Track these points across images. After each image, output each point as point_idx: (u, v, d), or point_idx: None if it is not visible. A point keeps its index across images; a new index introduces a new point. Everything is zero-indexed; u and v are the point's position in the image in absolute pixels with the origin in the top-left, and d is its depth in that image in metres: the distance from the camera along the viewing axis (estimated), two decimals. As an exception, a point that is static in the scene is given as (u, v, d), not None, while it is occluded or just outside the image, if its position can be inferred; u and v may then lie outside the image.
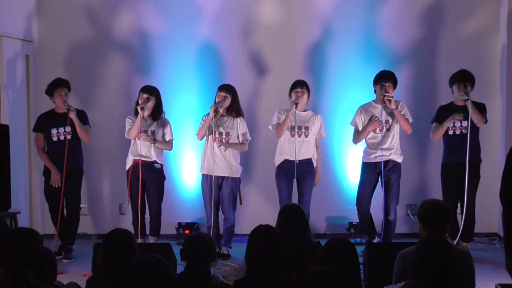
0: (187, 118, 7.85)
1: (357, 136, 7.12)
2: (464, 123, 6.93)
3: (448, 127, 7.00)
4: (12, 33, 7.50)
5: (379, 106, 7.02)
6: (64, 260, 7.00)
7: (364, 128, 7.04)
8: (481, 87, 7.77)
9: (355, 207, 7.37)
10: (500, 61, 7.88)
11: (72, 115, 6.97)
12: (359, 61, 7.87)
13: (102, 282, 3.98)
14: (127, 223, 7.33)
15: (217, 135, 7.05)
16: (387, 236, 7.12)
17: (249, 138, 7.19)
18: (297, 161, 7.02)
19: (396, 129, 7.06)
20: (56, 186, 7.04)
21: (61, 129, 7.09)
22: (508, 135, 7.70)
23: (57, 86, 7.12)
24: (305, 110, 7.15)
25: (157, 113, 7.12)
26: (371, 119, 7.01)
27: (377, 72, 7.09)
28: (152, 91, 7.08)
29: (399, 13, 7.97)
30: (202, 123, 7.10)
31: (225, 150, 7.02)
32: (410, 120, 7.04)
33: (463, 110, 6.92)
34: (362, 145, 7.23)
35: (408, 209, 8.04)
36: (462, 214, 7.00)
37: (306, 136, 7.07)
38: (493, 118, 7.86)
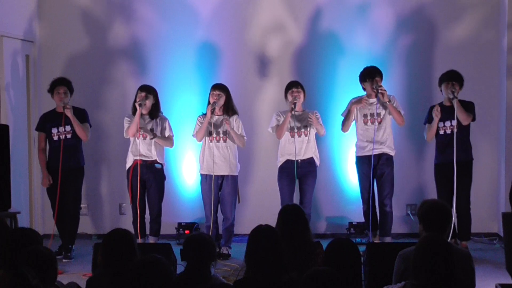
0: (186, 118, 7.84)
1: (345, 120, 7.16)
2: (454, 122, 6.96)
3: (439, 127, 7.03)
4: (12, 33, 7.50)
5: (372, 100, 7.05)
6: (64, 260, 7.00)
7: (349, 111, 7.09)
8: (481, 86, 7.78)
9: (355, 207, 7.39)
10: (499, 60, 7.88)
11: (68, 112, 6.96)
12: (358, 61, 7.85)
13: (102, 282, 3.98)
14: (127, 223, 7.33)
15: (214, 135, 7.06)
16: (385, 228, 7.13)
17: (244, 135, 7.19)
18: (299, 161, 7.03)
19: (388, 122, 7.09)
20: (46, 187, 7.12)
21: (61, 128, 7.09)
22: (508, 135, 7.70)
23: (56, 84, 7.13)
24: (302, 110, 7.16)
25: (155, 112, 7.14)
26: (359, 101, 7.09)
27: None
28: (149, 90, 7.11)
29: (397, 13, 7.97)
30: (198, 124, 7.12)
31: (228, 124, 7.00)
32: (402, 112, 7.11)
33: (450, 110, 6.96)
34: (353, 138, 7.24)
35: (408, 209, 8.03)
36: (457, 214, 7.02)
37: (306, 135, 7.09)
38: (493, 118, 7.87)
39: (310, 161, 7.11)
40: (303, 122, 7.10)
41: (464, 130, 7.00)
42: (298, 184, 7.15)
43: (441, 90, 7.10)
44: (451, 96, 6.90)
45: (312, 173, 7.14)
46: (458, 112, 6.88)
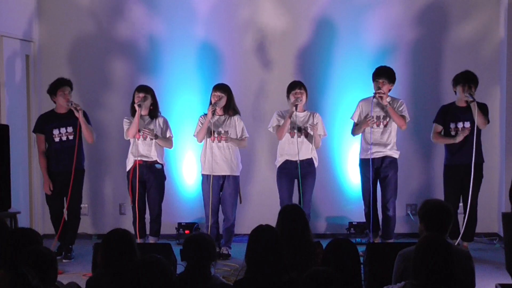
0: (187, 118, 7.84)
1: (355, 130, 7.18)
2: (466, 124, 6.93)
3: (451, 128, 7.00)
4: (12, 33, 7.50)
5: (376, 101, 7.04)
6: (64, 260, 6.99)
7: (359, 126, 7.09)
8: (481, 87, 7.77)
9: (355, 207, 7.37)
10: (499, 60, 7.88)
11: (80, 115, 6.96)
12: (360, 60, 7.87)
13: (102, 282, 3.98)
14: (127, 223, 7.34)
15: (216, 135, 7.06)
16: (387, 232, 7.14)
17: (247, 135, 7.19)
18: (299, 161, 7.02)
19: (393, 125, 7.09)
20: (48, 194, 7.07)
21: (63, 130, 7.08)
22: (508, 135, 7.70)
23: (60, 85, 7.10)
24: (303, 111, 7.15)
25: (154, 112, 7.14)
26: (366, 118, 7.04)
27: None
28: (147, 90, 7.10)
29: (400, 12, 7.97)
30: (200, 124, 7.11)
31: (227, 142, 7.00)
32: (407, 119, 7.06)
33: (465, 111, 6.94)
34: (358, 140, 7.24)
35: (408, 209, 8.03)
36: (464, 215, 6.99)
37: (306, 136, 7.07)
38: (493, 118, 7.85)
39: (309, 161, 7.09)
40: (304, 123, 7.08)
41: (477, 133, 6.93)
42: (298, 185, 7.14)
43: (455, 91, 7.05)
44: (470, 100, 6.84)
45: (311, 174, 7.12)
46: (478, 116, 6.81)
